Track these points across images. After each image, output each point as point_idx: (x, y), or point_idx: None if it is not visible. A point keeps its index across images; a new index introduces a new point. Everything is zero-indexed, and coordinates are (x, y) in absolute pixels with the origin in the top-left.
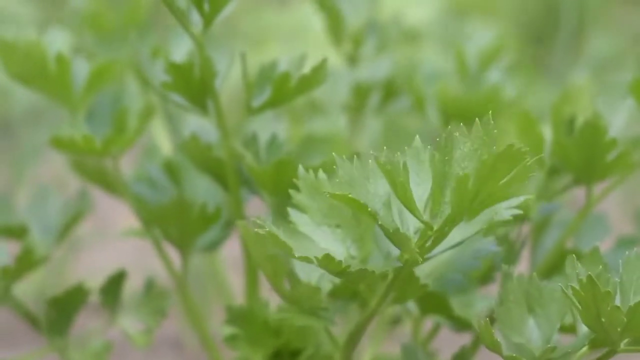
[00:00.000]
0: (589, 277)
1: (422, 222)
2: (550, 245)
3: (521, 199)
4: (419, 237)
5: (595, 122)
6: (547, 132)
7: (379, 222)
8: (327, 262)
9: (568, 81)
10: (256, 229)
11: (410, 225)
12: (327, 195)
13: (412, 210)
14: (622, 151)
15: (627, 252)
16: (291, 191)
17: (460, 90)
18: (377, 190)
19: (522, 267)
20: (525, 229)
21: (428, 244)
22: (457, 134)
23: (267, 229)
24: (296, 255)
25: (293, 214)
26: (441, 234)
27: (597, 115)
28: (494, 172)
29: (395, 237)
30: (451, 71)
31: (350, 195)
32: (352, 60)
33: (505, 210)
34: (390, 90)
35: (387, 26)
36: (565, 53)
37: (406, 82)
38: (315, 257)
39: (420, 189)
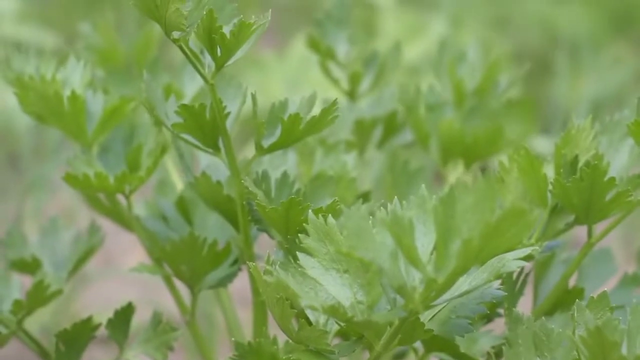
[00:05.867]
0: (597, 327)
1: (427, 277)
2: (553, 283)
3: (528, 250)
4: (424, 288)
5: (595, 164)
6: (549, 172)
7: (384, 279)
8: (332, 311)
9: (569, 121)
10: (265, 276)
11: (416, 276)
12: (334, 251)
13: (417, 266)
14: (621, 191)
15: (634, 300)
16: (300, 235)
17: (459, 122)
18: (384, 240)
19: (525, 302)
20: (528, 266)
21: (432, 293)
22: (459, 187)
23: (275, 276)
24: (303, 304)
25: (302, 257)
26: (446, 286)
27: (598, 157)
28: (498, 231)
29: (400, 291)
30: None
31: (356, 254)
32: (352, 96)
33: (512, 261)
34: (391, 125)
35: (385, 59)
36: (562, 92)
37: (408, 116)
38: (322, 306)
39: (427, 239)
